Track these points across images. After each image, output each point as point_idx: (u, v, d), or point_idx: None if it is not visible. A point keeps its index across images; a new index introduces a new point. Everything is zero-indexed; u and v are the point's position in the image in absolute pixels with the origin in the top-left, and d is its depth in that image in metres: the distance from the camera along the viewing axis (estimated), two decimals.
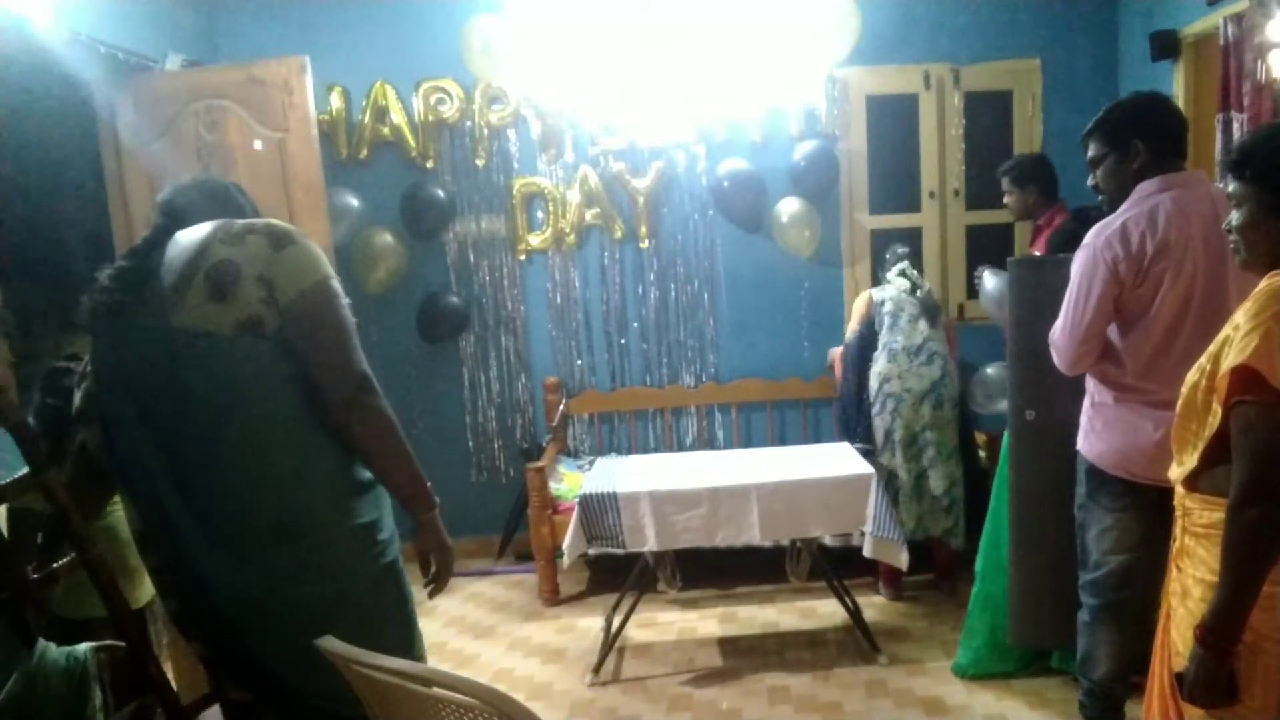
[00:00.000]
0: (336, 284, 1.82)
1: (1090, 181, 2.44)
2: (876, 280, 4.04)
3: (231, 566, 1.75)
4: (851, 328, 3.93)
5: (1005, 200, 3.73)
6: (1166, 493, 2.26)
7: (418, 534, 1.94)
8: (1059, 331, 2.40)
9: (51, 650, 1.92)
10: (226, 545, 1.75)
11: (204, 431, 1.73)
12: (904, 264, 3.88)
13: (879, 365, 3.77)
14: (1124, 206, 2.29)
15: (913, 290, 3.83)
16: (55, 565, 1.88)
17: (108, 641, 2.11)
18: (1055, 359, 2.45)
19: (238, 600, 1.76)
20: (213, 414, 1.72)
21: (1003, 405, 3.55)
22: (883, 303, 3.81)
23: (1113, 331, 2.34)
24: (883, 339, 3.78)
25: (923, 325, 3.76)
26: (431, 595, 1.99)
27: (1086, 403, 2.46)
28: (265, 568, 1.76)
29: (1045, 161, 3.67)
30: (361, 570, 1.85)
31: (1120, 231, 2.24)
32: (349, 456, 1.85)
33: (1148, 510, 2.36)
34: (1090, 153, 2.39)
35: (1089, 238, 2.32)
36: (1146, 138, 2.28)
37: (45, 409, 2.24)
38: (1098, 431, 2.39)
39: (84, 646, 1.99)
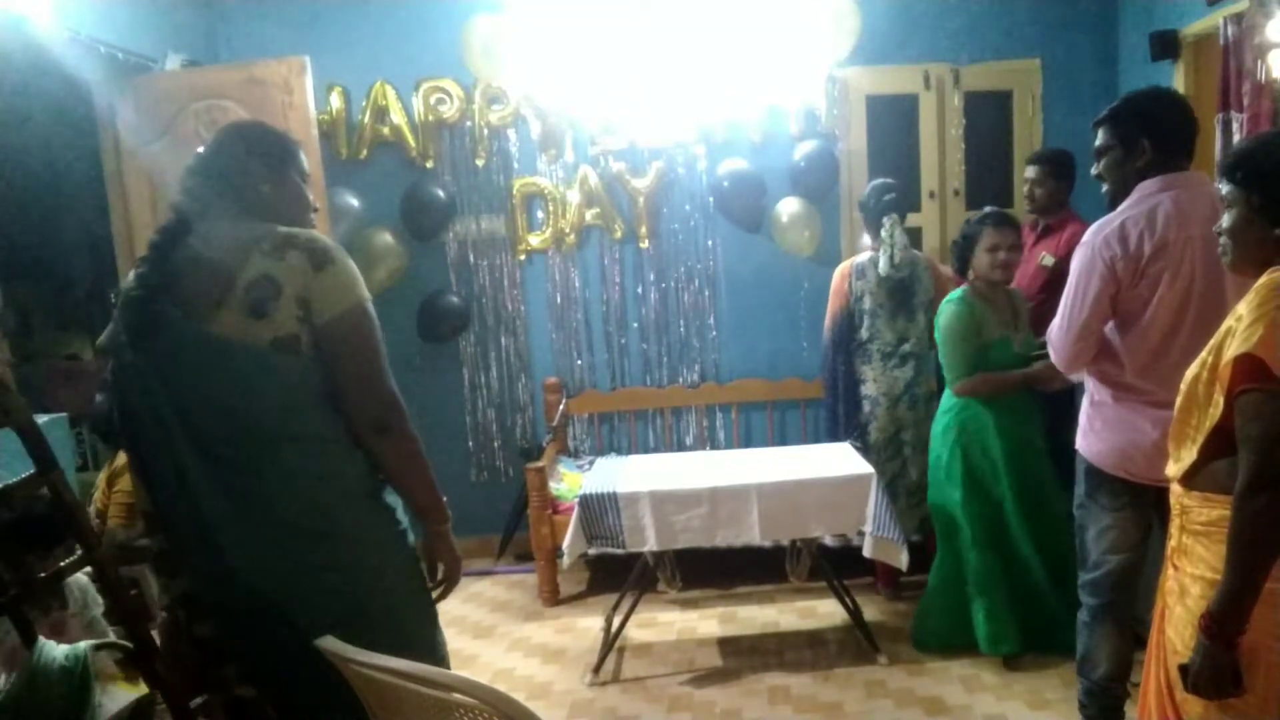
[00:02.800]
0: (371, 306, 1.85)
1: (1094, 170, 2.44)
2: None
3: (267, 558, 1.78)
4: (827, 322, 3.88)
5: (1035, 190, 3.69)
6: (1165, 492, 2.27)
7: (430, 543, 1.99)
8: (1056, 329, 2.40)
9: (51, 648, 1.93)
10: (262, 540, 1.78)
11: (236, 437, 1.77)
12: (891, 220, 3.68)
13: (857, 365, 3.79)
14: (1124, 205, 2.30)
15: (891, 258, 3.66)
16: (62, 564, 1.89)
17: (110, 640, 2.11)
18: (1052, 356, 2.46)
19: (271, 589, 1.79)
20: (245, 422, 1.77)
21: None
22: (861, 297, 3.76)
23: (1111, 331, 2.34)
24: (864, 336, 3.77)
25: (900, 322, 3.73)
26: (437, 600, 2.04)
27: (1085, 402, 2.46)
28: (302, 561, 1.81)
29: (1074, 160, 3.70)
30: (389, 562, 1.92)
31: (1119, 231, 2.25)
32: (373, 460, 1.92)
33: (1147, 510, 2.37)
34: (1097, 142, 2.39)
35: (1088, 236, 2.32)
36: (1155, 138, 2.28)
37: None
38: (1096, 431, 2.40)
39: (84, 644, 2.00)
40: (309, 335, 1.78)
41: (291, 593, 1.80)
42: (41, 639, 1.98)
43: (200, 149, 1.91)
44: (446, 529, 2.00)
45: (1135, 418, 2.30)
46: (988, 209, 3.32)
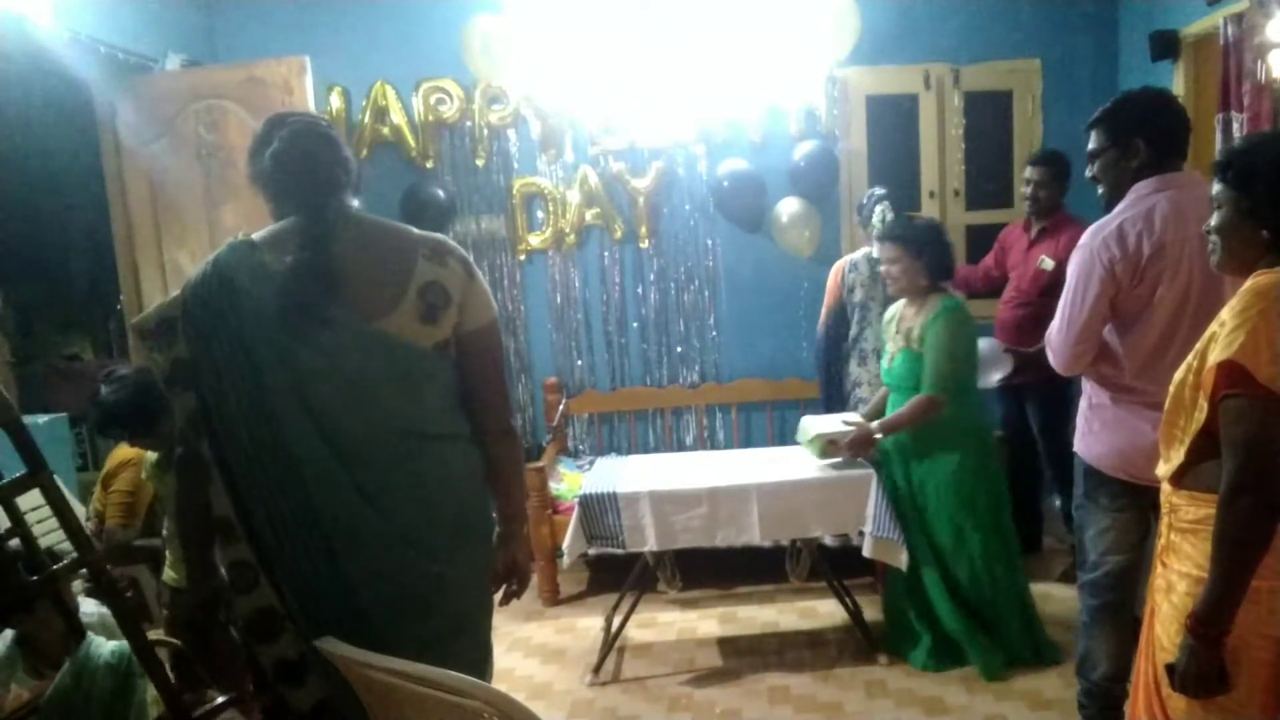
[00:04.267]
0: None
1: (1089, 173, 2.44)
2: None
3: (410, 557, 1.80)
4: (822, 319, 3.92)
5: (1039, 192, 3.69)
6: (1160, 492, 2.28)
7: (510, 545, 2.02)
8: (1055, 332, 2.40)
9: (99, 644, 1.93)
10: (406, 539, 1.80)
11: (388, 435, 1.78)
12: (883, 205, 3.68)
13: (851, 366, 3.80)
14: (1120, 207, 2.30)
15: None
16: (55, 567, 1.88)
17: (162, 638, 2.12)
18: (1051, 360, 2.46)
19: (409, 591, 1.80)
20: (400, 419, 1.79)
21: (995, 377, 3.58)
22: (853, 289, 3.77)
23: (1110, 333, 2.34)
24: (853, 333, 3.78)
25: None
26: (509, 600, 2.06)
27: (1083, 404, 2.46)
28: (449, 562, 1.85)
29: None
30: (492, 562, 1.99)
31: (1117, 232, 2.25)
32: None
33: (1146, 510, 2.37)
34: (1091, 144, 2.40)
35: (1085, 238, 2.33)
36: (1149, 138, 2.28)
37: None
38: (1095, 433, 2.40)
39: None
40: (454, 340, 1.85)
41: (431, 590, 1.82)
42: (90, 635, 1.98)
43: (300, 136, 1.83)
44: (527, 531, 2.08)
45: (1134, 419, 2.30)
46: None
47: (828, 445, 3.21)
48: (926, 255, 3.13)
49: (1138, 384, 2.29)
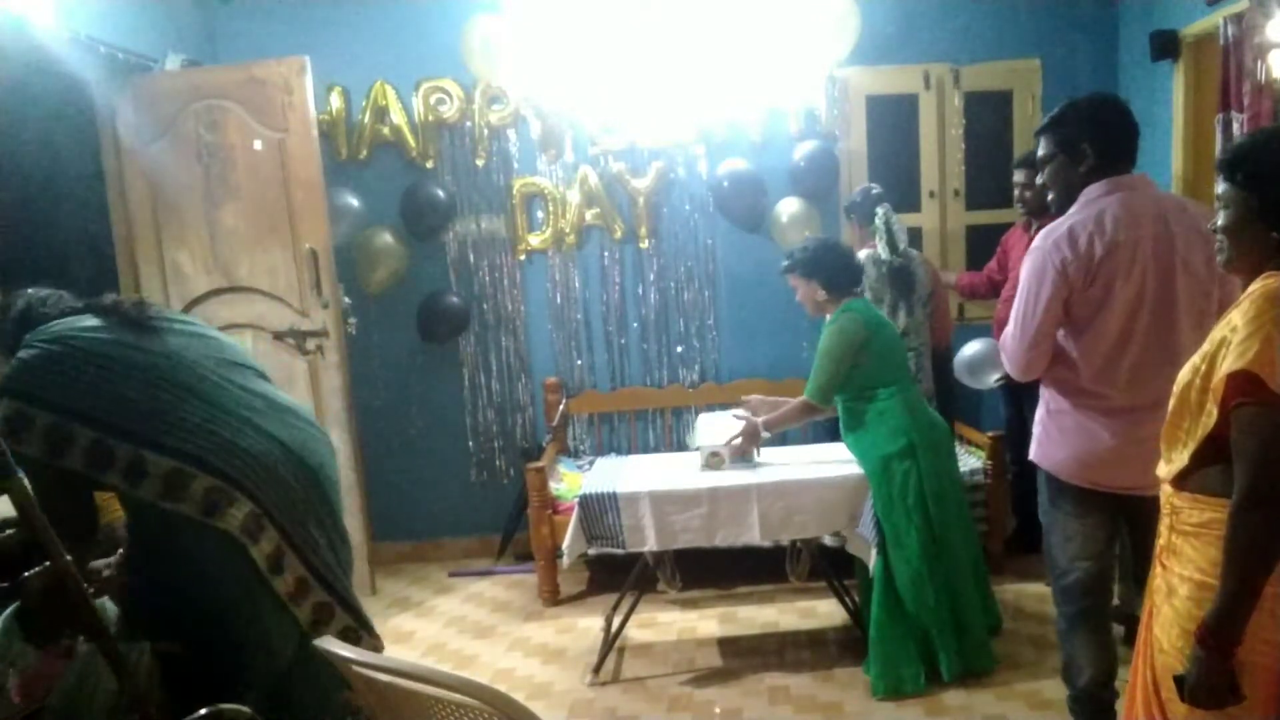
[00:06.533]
0: None
1: (1039, 179, 2.44)
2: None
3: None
4: None
5: (1024, 193, 3.72)
6: (1124, 498, 2.27)
7: None
8: (1009, 337, 2.38)
9: None
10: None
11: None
12: (884, 208, 3.76)
13: None
14: (1071, 210, 2.30)
15: (892, 250, 3.80)
16: (26, 574, 1.82)
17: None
18: (1006, 364, 2.44)
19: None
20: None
21: (993, 377, 3.58)
22: (861, 292, 3.79)
23: (1065, 337, 2.32)
24: None
25: (901, 316, 3.76)
26: None
27: (1041, 411, 2.43)
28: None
29: None
30: None
31: (1068, 234, 2.24)
32: None
33: (1111, 514, 2.36)
34: (1040, 151, 2.40)
35: (1037, 241, 2.32)
36: (1095, 142, 2.27)
37: None
38: (1054, 440, 2.38)
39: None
40: None
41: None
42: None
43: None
44: None
45: (1092, 424, 2.28)
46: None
47: (710, 458, 3.31)
48: (818, 275, 3.24)
49: (1095, 387, 2.28)
